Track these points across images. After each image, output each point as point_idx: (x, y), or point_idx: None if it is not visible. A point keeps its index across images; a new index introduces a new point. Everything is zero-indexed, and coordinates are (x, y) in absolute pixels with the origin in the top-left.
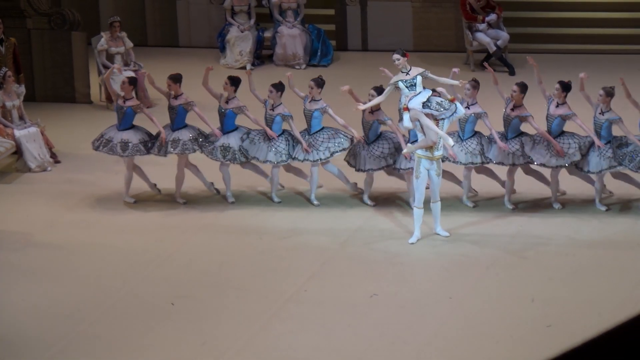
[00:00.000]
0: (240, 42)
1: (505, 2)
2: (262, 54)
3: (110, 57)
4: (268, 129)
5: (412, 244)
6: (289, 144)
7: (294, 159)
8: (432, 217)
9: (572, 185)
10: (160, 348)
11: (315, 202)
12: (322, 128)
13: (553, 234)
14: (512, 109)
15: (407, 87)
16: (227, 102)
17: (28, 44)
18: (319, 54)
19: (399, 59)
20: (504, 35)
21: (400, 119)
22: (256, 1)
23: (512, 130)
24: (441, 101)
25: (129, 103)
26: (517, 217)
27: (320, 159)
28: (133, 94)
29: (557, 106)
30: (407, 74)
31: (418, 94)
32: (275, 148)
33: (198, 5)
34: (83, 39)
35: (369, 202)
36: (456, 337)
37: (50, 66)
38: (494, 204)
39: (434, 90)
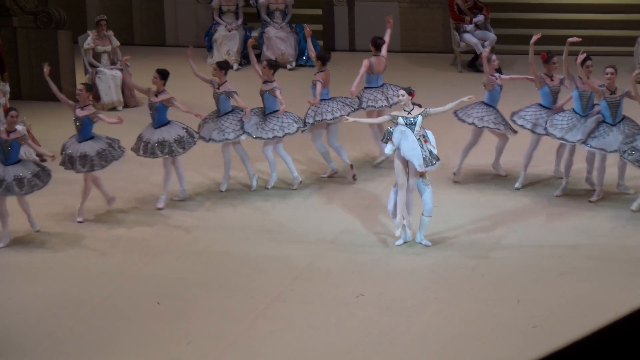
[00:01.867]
0: (228, 41)
1: (493, 3)
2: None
3: (97, 56)
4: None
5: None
6: (234, 122)
7: (248, 133)
8: (419, 225)
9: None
10: (146, 347)
11: (295, 185)
12: (277, 110)
13: (539, 235)
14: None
15: (407, 124)
16: (156, 96)
17: (14, 43)
18: (306, 54)
19: (404, 96)
20: (491, 36)
21: (384, 140)
22: (244, 1)
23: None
24: (431, 151)
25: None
26: (504, 219)
27: (276, 137)
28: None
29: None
30: (409, 112)
31: (411, 140)
32: (219, 127)
33: (185, 4)
34: (69, 37)
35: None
36: (442, 338)
37: (37, 65)
38: (481, 204)
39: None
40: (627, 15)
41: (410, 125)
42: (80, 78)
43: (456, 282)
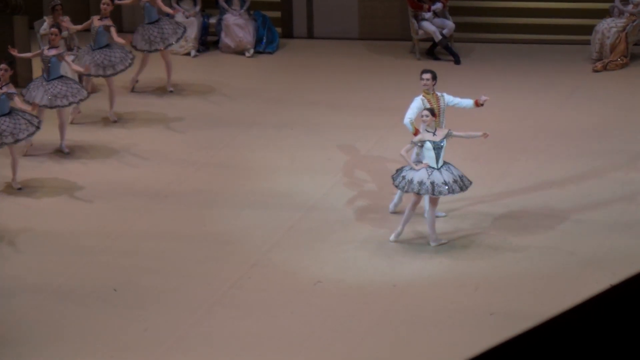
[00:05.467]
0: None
1: None
2: (207, 41)
3: None
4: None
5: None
6: (20, 122)
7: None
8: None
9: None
10: (102, 334)
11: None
12: (61, 76)
13: (497, 223)
14: None
15: (434, 148)
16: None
17: None
18: (264, 41)
19: (427, 116)
20: (449, 24)
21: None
22: None
23: None
24: (462, 176)
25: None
26: (463, 206)
27: (66, 104)
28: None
29: None
30: (434, 134)
31: (438, 169)
32: (11, 131)
33: None
34: (25, 23)
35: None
36: (399, 325)
37: None
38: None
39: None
40: (584, 4)
41: (439, 149)
42: (37, 64)
43: (414, 268)
